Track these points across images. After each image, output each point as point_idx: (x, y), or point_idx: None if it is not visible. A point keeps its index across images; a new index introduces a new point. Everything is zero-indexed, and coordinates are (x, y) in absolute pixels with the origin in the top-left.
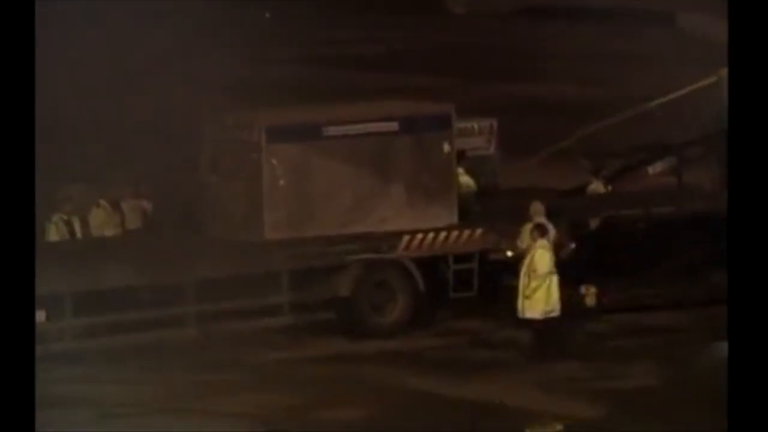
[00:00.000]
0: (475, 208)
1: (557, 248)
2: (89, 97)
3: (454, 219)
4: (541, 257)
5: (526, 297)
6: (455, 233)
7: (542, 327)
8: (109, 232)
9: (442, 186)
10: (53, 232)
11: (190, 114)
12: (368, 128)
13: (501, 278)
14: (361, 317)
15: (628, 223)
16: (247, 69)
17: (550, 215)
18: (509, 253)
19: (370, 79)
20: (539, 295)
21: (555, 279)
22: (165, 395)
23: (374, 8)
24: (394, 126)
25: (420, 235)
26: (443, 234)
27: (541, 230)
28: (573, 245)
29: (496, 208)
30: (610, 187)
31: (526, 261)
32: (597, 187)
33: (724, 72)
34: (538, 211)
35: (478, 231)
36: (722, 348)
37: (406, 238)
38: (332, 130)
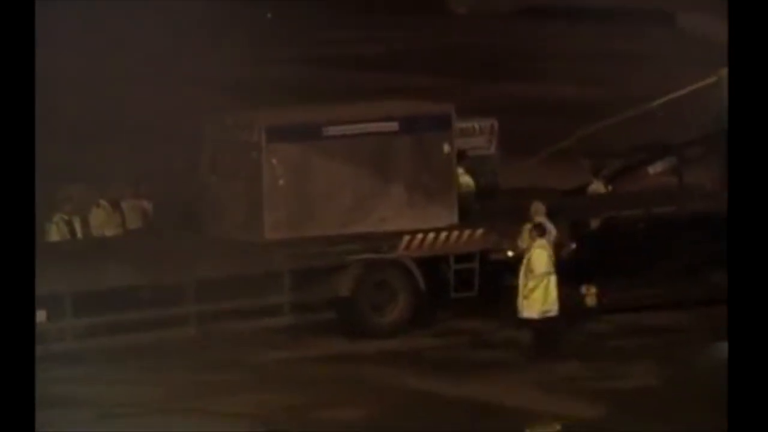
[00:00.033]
0: (475, 208)
1: (558, 248)
2: (89, 97)
3: (455, 219)
4: (539, 257)
5: (524, 297)
6: (456, 233)
7: (540, 327)
8: (109, 232)
9: (442, 186)
10: (54, 232)
11: (190, 114)
12: (368, 128)
13: (502, 278)
14: (362, 317)
15: (629, 223)
16: (247, 69)
17: (550, 215)
18: (510, 253)
19: (370, 79)
20: (536, 295)
21: (553, 279)
22: (165, 395)
23: (374, 8)
24: (394, 126)
25: (420, 235)
26: (444, 234)
27: (539, 230)
28: (573, 245)
29: (497, 208)
30: (610, 187)
31: (524, 261)
32: (597, 187)
33: (724, 72)
34: (538, 211)
35: (479, 231)
36: (722, 348)
37: (407, 238)
38: (332, 130)
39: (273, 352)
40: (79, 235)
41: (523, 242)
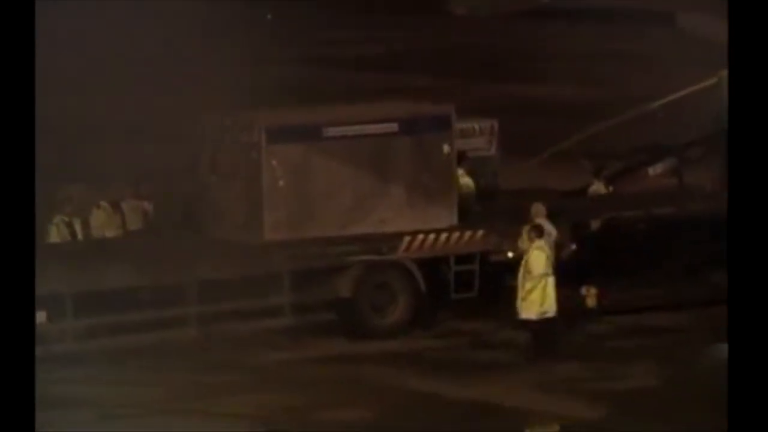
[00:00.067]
0: (475, 209)
1: (558, 249)
2: (89, 97)
3: (455, 220)
4: (536, 258)
5: (523, 298)
6: (456, 234)
7: (538, 328)
8: (109, 233)
9: (442, 187)
10: (54, 233)
11: (190, 114)
12: (368, 129)
13: (502, 279)
14: (362, 318)
15: (629, 224)
16: (247, 69)
17: (551, 216)
18: (510, 254)
19: (370, 79)
20: (534, 296)
21: (551, 280)
22: (166, 396)
23: (374, 8)
24: (393, 127)
25: (421, 236)
26: (444, 235)
27: (537, 231)
28: (574, 246)
29: (497, 209)
30: (610, 188)
31: (523, 262)
32: (598, 188)
33: (725, 73)
34: (539, 212)
35: (479, 232)
36: (722, 348)
37: (407, 239)
38: (332, 131)
39: (273, 353)
40: (80, 236)
41: (523, 243)
